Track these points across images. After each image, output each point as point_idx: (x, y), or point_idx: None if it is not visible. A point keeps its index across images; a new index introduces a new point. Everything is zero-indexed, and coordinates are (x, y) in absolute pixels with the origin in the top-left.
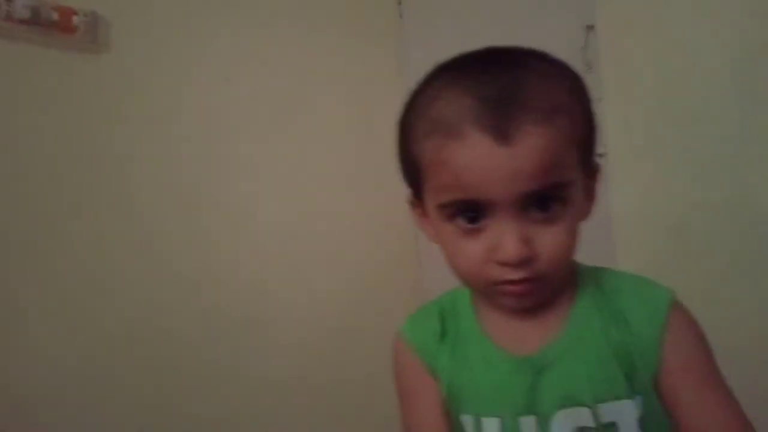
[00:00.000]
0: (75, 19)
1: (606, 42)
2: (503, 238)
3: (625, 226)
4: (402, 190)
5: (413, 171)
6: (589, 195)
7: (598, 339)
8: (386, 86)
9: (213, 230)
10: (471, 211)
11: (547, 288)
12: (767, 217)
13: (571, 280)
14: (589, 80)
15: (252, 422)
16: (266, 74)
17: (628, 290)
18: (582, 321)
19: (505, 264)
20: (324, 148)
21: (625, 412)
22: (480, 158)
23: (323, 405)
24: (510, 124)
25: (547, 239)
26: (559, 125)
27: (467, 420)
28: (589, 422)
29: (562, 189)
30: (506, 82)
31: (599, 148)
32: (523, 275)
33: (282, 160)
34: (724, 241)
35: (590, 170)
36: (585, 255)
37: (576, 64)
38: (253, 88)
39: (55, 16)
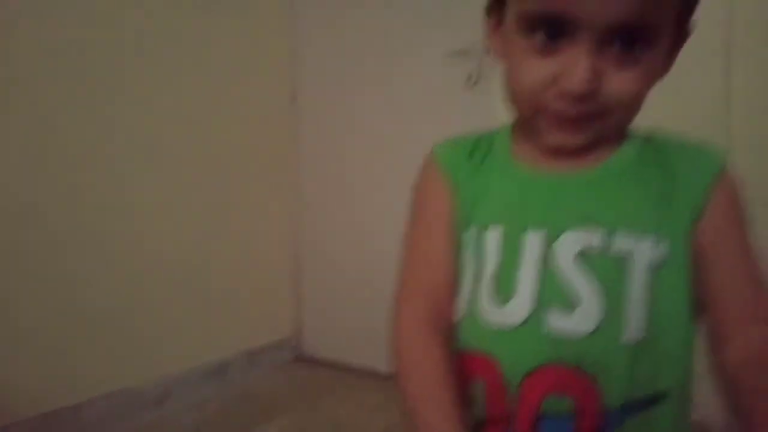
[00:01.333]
0: None
1: None
2: (575, 66)
3: None
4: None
5: None
6: (670, 58)
7: (635, 178)
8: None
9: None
10: (553, 27)
11: (601, 129)
12: None
13: (622, 135)
14: None
15: None
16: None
17: (681, 145)
18: (622, 162)
19: (568, 94)
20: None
21: (641, 248)
22: None
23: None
24: None
25: (619, 80)
26: None
27: (472, 232)
28: (598, 246)
29: (651, 31)
30: None
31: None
32: (582, 111)
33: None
34: None
35: (681, 32)
36: None
37: None
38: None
39: None
